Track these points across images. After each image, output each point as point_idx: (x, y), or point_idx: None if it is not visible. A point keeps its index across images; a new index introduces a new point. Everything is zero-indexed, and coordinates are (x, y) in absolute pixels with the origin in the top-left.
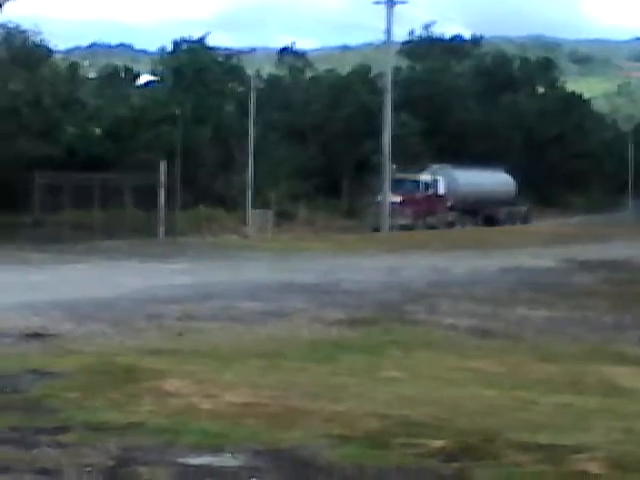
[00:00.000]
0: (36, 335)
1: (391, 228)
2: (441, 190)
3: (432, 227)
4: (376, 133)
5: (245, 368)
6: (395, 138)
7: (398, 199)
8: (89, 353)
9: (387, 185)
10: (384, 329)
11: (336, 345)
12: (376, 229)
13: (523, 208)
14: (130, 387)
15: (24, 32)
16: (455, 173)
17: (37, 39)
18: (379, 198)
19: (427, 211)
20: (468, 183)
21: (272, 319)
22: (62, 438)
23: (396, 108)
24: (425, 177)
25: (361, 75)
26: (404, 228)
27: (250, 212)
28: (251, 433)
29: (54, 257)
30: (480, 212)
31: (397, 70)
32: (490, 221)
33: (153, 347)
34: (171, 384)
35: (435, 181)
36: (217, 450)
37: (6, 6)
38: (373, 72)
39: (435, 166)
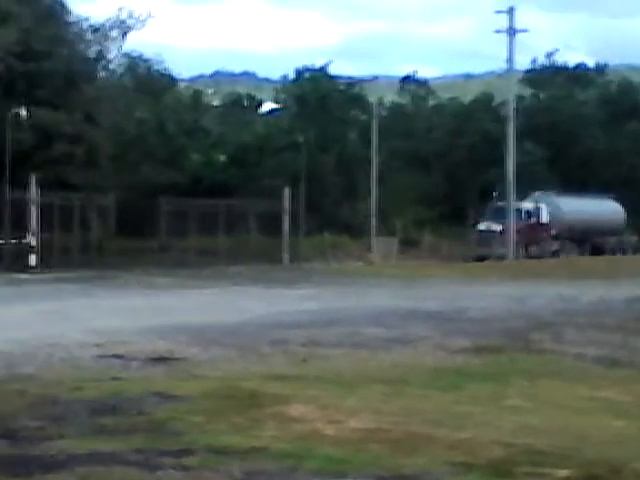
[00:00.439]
0: (162, 359)
1: (487, 258)
2: (544, 218)
3: (534, 257)
4: (500, 161)
5: (368, 394)
6: (519, 166)
7: (498, 228)
8: (214, 378)
9: (512, 213)
10: (509, 357)
11: (460, 373)
12: (479, 258)
13: (633, 238)
14: (254, 412)
15: (147, 61)
16: (559, 201)
17: (160, 67)
18: (481, 226)
19: (529, 240)
20: (573, 211)
21: (396, 346)
22: (186, 461)
23: (520, 136)
24: (527, 205)
25: (484, 103)
26: (503, 258)
27: (374, 239)
28: (374, 459)
29: (180, 282)
30: (587, 241)
31: (520, 98)
32: (597, 251)
33: (277, 373)
34: (295, 409)
35: (538, 209)
36: (340, 476)
37: (130, 35)
38: (496, 100)
39: (537, 193)
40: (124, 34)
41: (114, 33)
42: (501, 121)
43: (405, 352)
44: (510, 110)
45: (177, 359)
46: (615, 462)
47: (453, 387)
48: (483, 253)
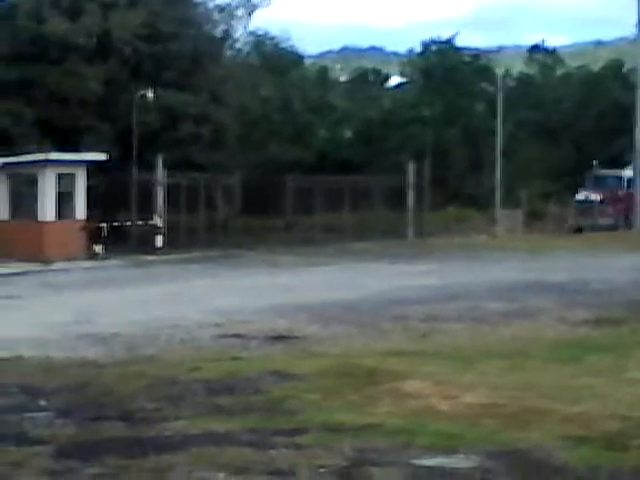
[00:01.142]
0: (281, 337)
1: (590, 228)
2: None
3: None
4: (629, 130)
5: (486, 368)
6: None
7: (598, 197)
8: (331, 355)
9: (638, 183)
10: (631, 329)
11: (580, 345)
12: (578, 229)
13: None
14: (370, 389)
15: (273, 38)
16: None
17: (287, 45)
18: (580, 196)
19: (630, 209)
20: None
21: (516, 319)
22: (299, 439)
23: None
24: (628, 173)
25: (613, 71)
26: (604, 228)
27: (499, 212)
28: (487, 434)
29: (304, 259)
30: None
31: None
32: None
33: (396, 349)
34: (411, 385)
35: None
36: (451, 451)
37: (256, 14)
38: (626, 67)
39: None
40: (250, 13)
41: (240, 12)
42: (631, 89)
43: (525, 325)
44: (638, 76)
45: (296, 337)
46: None
47: (572, 360)
48: (582, 224)
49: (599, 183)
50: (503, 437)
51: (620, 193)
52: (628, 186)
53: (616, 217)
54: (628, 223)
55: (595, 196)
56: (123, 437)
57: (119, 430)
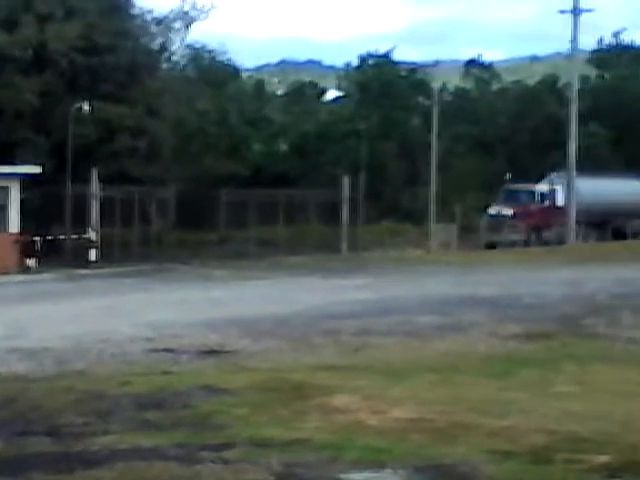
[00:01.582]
0: (212, 352)
1: (502, 244)
2: (560, 201)
3: (548, 242)
4: (564, 144)
5: (416, 383)
6: (583, 148)
7: (510, 212)
8: (262, 370)
9: (572, 197)
10: (561, 343)
11: (511, 359)
12: (490, 245)
13: None
14: (299, 403)
15: (211, 52)
16: (577, 182)
17: (224, 58)
18: (492, 211)
19: (543, 224)
20: (592, 193)
21: (449, 333)
22: (226, 454)
23: (584, 118)
24: (541, 187)
25: (548, 85)
26: (516, 244)
27: (433, 226)
28: (414, 448)
29: (237, 273)
30: (607, 225)
31: (586, 79)
32: (619, 234)
33: (327, 363)
34: (340, 400)
35: (552, 191)
36: (379, 466)
37: (193, 27)
38: (561, 82)
39: (553, 175)
40: (187, 25)
41: (177, 25)
42: (566, 103)
43: (457, 339)
44: (573, 92)
45: (227, 352)
46: None
47: (502, 374)
48: (494, 239)
49: (512, 197)
50: (430, 452)
51: (533, 208)
52: (541, 201)
53: (528, 232)
54: (540, 238)
55: (507, 211)
56: (50, 452)
57: (46, 445)
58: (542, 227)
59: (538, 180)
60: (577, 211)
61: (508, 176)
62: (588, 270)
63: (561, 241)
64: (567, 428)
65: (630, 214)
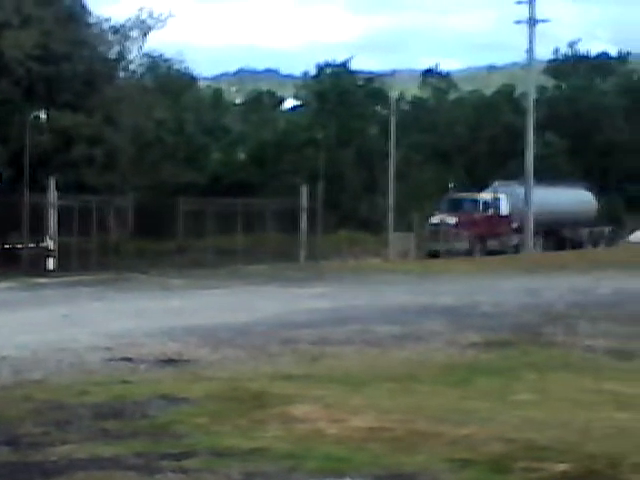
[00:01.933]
0: (170, 361)
1: (445, 253)
2: (504, 210)
3: (493, 252)
4: (521, 153)
5: (375, 392)
6: (540, 157)
7: (453, 220)
8: (221, 379)
9: (530, 207)
10: (520, 351)
11: (470, 368)
12: (433, 254)
13: (606, 229)
14: (258, 412)
15: (168, 60)
16: (521, 191)
17: (181, 67)
18: (435, 219)
19: (487, 234)
20: (537, 202)
21: (407, 342)
22: (186, 463)
23: (541, 127)
24: (485, 196)
25: (506, 95)
26: (459, 253)
27: (391, 235)
28: (374, 458)
29: (195, 282)
30: (554, 234)
31: (542, 89)
32: (564, 244)
33: (285, 372)
34: (299, 409)
35: (496, 200)
36: (338, 475)
37: (151, 35)
38: (518, 92)
39: (497, 183)
40: (145, 34)
41: (134, 33)
42: (523, 113)
43: (416, 348)
44: (530, 101)
45: (186, 361)
46: (615, 456)
47: (462, 382)
48: (436, 248)
49: (455, 206)
50: (390, 461)
51: (476, 216)
52: (484, 209)
53: (472, 241)
54: (485, 248)
55: (450, 219)
56: (9, 462)
57: (4, 455)
58: (486, 236)
59: (481, 189)
60: (517, 219)
61: (451, 184)
62: (544, 279)
63: (505, 250)
64: (526, 436)
65: (579, 223)
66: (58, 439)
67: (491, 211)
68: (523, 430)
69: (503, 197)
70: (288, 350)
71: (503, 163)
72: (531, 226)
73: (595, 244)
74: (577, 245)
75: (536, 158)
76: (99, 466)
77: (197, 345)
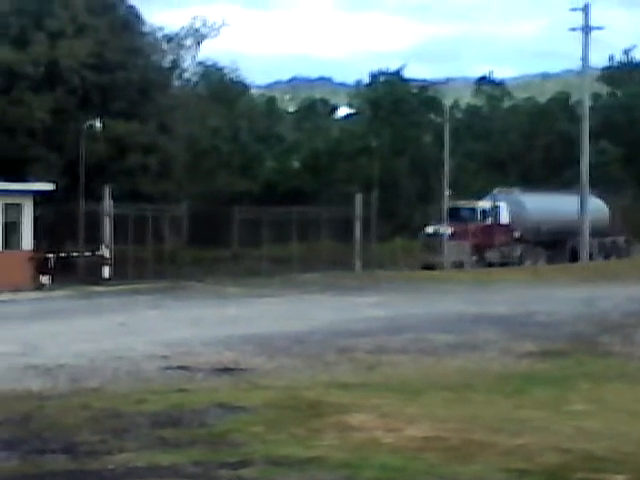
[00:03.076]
0: (227, 369)
1: (440, 265)
2: (504, 219)
3: (493, 264)
4: (576, 161)
5: (431, 401)
6: (595, 165)
7: (448, 230)
8: (277, 387)
9: (586, 217)
10: (576, 361)
11: (525, 378)
12: (428, 266)
13: (619, 239)
14: (314, 421)
15: (221, 69)
16: (523, 199)
17: (235, 75)
18: (428, 230)
19: (485, 244)
20: (541, 210)
21: (462, 351)
22: (243, 472)
23: (596, 135)
24: (483, 204)
25: (560, 103)
26: (454, 266)
27: (446, 243)
28: (429, 467)
29: (251, 291)
30: (560, 244)
31: (597, 97)
32: (571, 255)
33: (342, 381)
34: (355, 418)
35: (496, 208)
36: None
37: (204, 44)
38: (573, 99)
39: (497, 190)
40: (198, 43)
41: (188, 42)
42: (577, 120)
43: (471, 357)
44: (584, 109)
45: (242, 369)
46: None
47: (517, 392)
48: (430, 260)
49: (451, 215)
50: (445, 470)
51: (473, 226)
52: (482, 219)
53: (469, 253)
54: (483, 259)
55: (445, 229)
56: (66, 470)
57: (62, 463)
58: (484, 247)
59: (480, 197)
60: (523, 229)
61: (449, 192)
62: (599, 288)
63: (506, 262)
64: (582, 447)
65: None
66: (116, 447)
67: (490, 220)
68: (579, 440)
69: (503, 205)
70: (344, 359)
71: (558, 171)
72: (587, 235)
73: (607, 255)
74: (586, 256)
75: (590, 166)
76: (157, 474)
77: (253, 354)
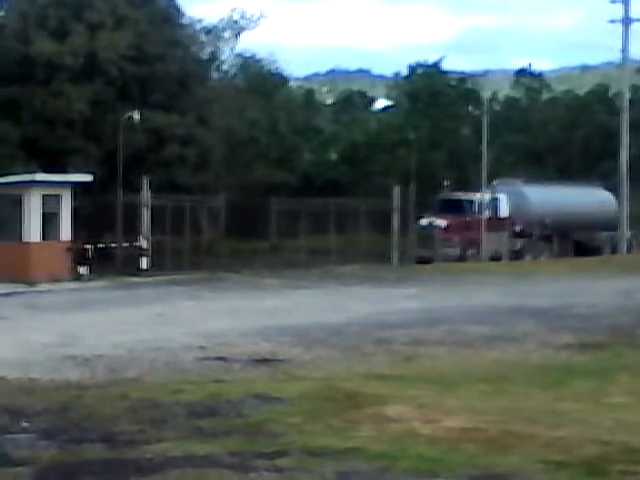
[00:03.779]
0: (264, 360)
1: (434, 259)
2: (503, 211)
3: (492, 258)
4: (615, 154)
5: (468, 393)
6: (634, 158)
7: (443, 223)
8: (314, 378)
9: (624, 208)
10: (615, 354)
11: (564, 370)
12: (423, 260)
13: (628, 233)
14: (352, 412)
15: (260, 61)
16: (525, 190)
17: (273, 67)
18: (422, 222)
19: (481, 238)
20: (545, 203)
21: (500, 343)
22: (280, 462)
23: (635, 128)
24: (481, 196)
25: (599, 95)
26: (450, 259)
27: (485, 235)
28: (467, 458)
29: (288, 282)
30: (564, 238)
31: (636, 89)
32: (578, 249)
33: (379, 372)
34: (393, 409)
35: (494, 200)
36: (432, 475)
37: (243, 36)
38: (612, 91)
39: (497, 182)
40: (237, 35)
41: (227, 34)
42: (617, 113)
43: (509, 349)
44: (624, 101)
45: (279, 360)
46: None
47: (555, 384)
48: (424, 254)
49: (448, 207)
50: (483, 461)
51: (470, 219)
52: (480, 211)
53: (464, 246)
54: (479, 253)
55: (440, 222)
56: (104, 459)
57: (100, 452)
58: (481, 240)
59: (479, 189)
60: (525, 223)
61: (446, 183)
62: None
63: (507, 256)
64: (621, 439)
65: (595, 226)
66: (153, 437)
67: (487, 213)
68: (618, 433)
69: (502, 197)
70: (381, 350)
71: (596, 163)
72: (624, 224)
73: (614, 249)
74: (594, 250)
75: (630, 158)
76: (194, 464)
77: (290, 345)
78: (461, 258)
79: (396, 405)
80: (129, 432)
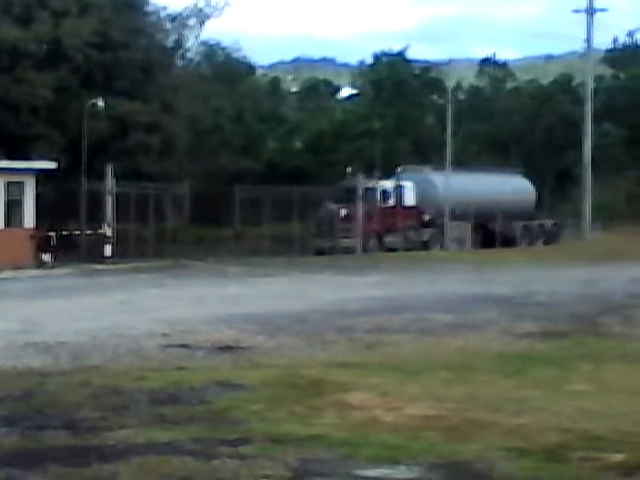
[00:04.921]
0: (227, 348)
1: (331, 250)
2: (409, 200)
3: (393, 249)
4: (578, 143)
5: (431, 381)
6: (597, 148)
7: (342, 212)
8: (277, 366)
9: (587, 197)
10: (576, 342)
11: (525, 358)
12: (319, 252)
13: (547, 222)
14: (314, 400)
15: (225, 49)
16: (434, 178)
17: (238, 55)
18: (321, 211)
19: (385, 228)
20: (454, 190)
21: (463, 331)
22: (243, 449)
23: (599, 117)
24: (384, 184)
25: (563, 85)
26: (347, 251)
27: (448, 223)
28: (429, 446)
29: (252, 270)
30: (481, 227)
31: (600, 79)
32: (492, 239)
33: (342, 360)
34: (355, 397)
35: (399, 188)
36: (394, 463)
37: (208, 24)
38: (576, 81)
39: (402, 168)
40: (202, 22)
41: (192, 22)
42: (580, 103)
43: (471, 337)
44: (587, 91)
45: (242, 348)
46: None
47: (517, 372)
48: (322, 245)
49: (348, 196)
50: (445, 449)
51: (370, 208)
52: (383, 200)
53: (365, 237)
54: (382, 245)
55: (341, 211)
56: (67, 446)
57: (63, 439)
58: (383, 231)
59: (388, 176)
60: (430, 210)
61: (348, 170)
62: (602, 269)
63: (409, 247)
64: (582, 426)
65: (511, 216)
66: (116, 424)
67: (392, 202)
68: (578, 420)
69: (408, 185)
70: (344, 338)
71: (560, 153)
72: (588, 214)
73: (532, 240)
74: (509, 241)
75: (593, 148)
76: (156, 451)
77: (254, 332)
78: (362, 249)
79: (358, 392)
80: (92, 419)
